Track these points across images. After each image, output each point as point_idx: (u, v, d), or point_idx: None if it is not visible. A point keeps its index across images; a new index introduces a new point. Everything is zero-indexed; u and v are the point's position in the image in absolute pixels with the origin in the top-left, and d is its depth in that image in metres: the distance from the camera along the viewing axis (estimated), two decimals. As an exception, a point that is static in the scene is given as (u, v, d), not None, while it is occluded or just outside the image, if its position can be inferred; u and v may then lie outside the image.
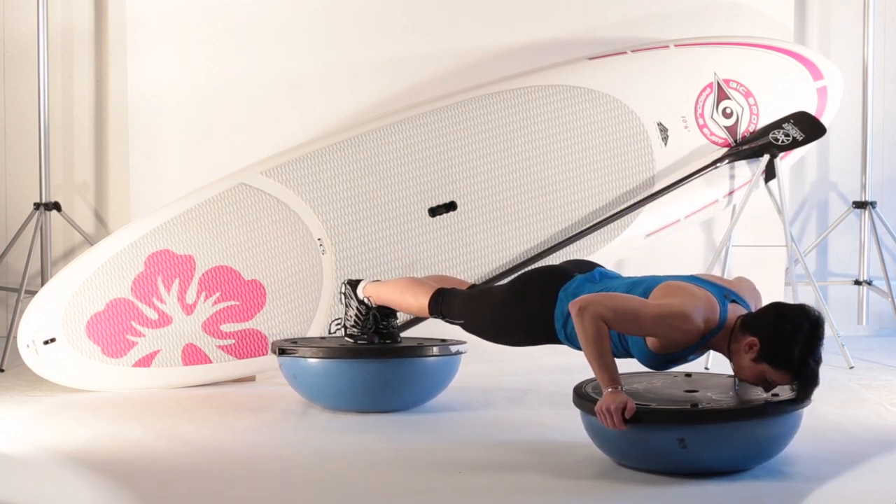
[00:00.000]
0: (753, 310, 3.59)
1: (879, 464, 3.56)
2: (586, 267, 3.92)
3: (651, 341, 3.53)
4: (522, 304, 3.87)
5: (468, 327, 4.06)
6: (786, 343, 3.36)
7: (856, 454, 3.64)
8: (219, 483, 3.37)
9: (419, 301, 4.15)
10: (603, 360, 3.38)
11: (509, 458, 3.61)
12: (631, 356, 3.65)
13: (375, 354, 4.22)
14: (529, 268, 3.99)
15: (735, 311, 3.53)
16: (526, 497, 3.22)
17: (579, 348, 3.70)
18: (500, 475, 3.42)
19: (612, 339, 3.64)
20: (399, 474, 3.47)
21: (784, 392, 3.46)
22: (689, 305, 3.45)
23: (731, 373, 3.80)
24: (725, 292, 3.57)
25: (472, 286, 4.20)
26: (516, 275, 4.11)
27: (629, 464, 3.44)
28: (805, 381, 3.38)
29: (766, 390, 3.46)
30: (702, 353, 3.64)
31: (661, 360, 3.58)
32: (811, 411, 3.56)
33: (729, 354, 3.51)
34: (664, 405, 3.35)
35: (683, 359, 3.58)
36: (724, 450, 3.32)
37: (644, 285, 3.64)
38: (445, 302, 4.10)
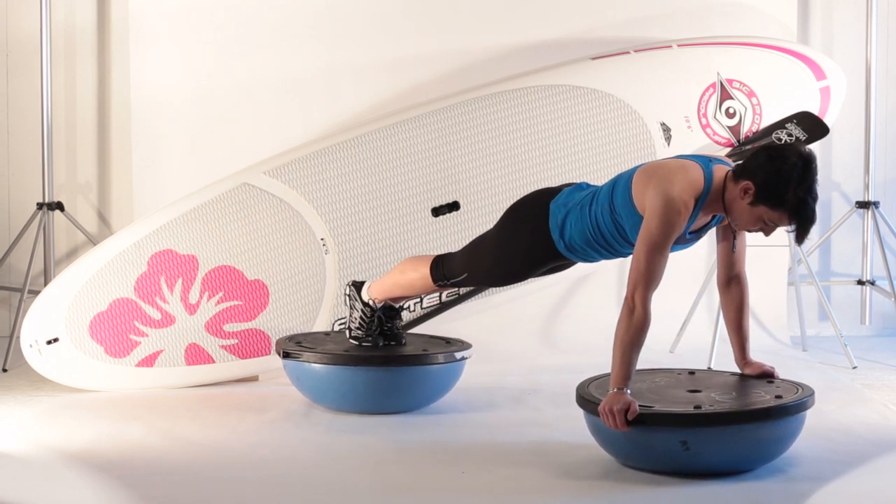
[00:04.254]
0: None
1: (882, 464, 3.56)
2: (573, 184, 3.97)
3: None
4: (518, 230, 3.90)
5: (472, 279, 4.08)
6: (781, 182, 3.41)
7: (858, 454, 3.64)
8: (221, 483, 3.37)
9: (420, 272, 4.17)
10: (628, 357, 3.40)
11: (512, 457, 3.61)
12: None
13: (380, 361, 4.21)
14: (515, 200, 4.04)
15: (721, 170, 3.58)
16: (528, 497, 3.22)
17: (583, 258, 3.81)
18: (503, 475, 3.42)
19: (614, 235, 3.69)
20: (401, 474, 3.47)
21: (787, 394, 3.46)
22: (666, 185, 3.50)
23: (735, 370, 3.81)
24: (710, 158, 3.63)
25: None
26: (505, 210, 4.10)
27: (632, 465, 3.44)
28: (802, 218, 3.42)
29: (766, 234, 3.51)
30: (699, 230, 3.65)
31: None
32: (814, 411, 3.56)
33: (725, 210, 3.55)
34: (667, 407, 3.35)
35: (683, 236, 3.61)
36: (726, 452, 3.32)
37: (626, 175, 3.68)
38: (444, 264, 4.13)
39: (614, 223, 3.68)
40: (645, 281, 3.46)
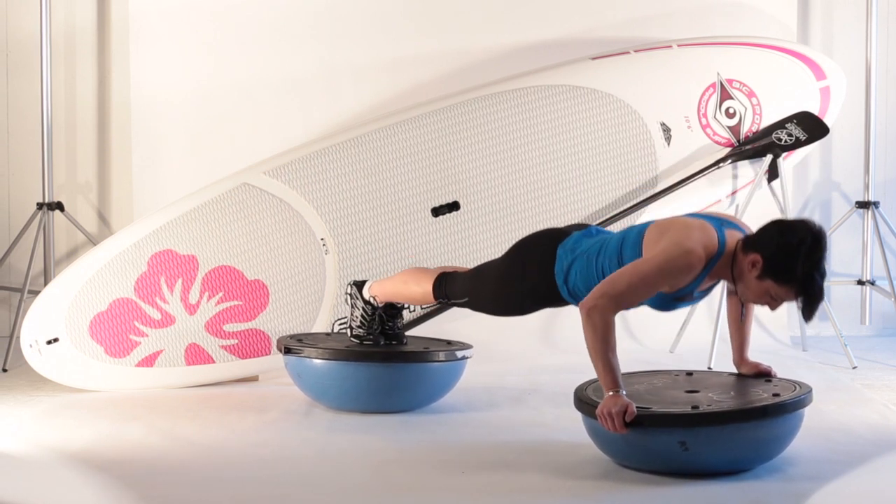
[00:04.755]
0: None
1: (882, 464, 3.56)
2: (583, 226, 3.94)
3: None
4: (523, 269, 3.88)
5: (472, 304, 4.07)
6: (789, 257, 3.36)
7: (858, 454, 3.63)
8: (221, 483, 3.37)
9: (423, 287, 4.17)
10: (608, 362, 3.37)
11: (512, 457, 3.61)
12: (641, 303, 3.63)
13: (382, 358, 4.21)
14: (526, 235, 4.01)
15: (733, 236, 3.53)
16: (528, 497, 3.22)
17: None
18: (503, 475, 3.42)
19: None
20: (401, 474, 3.47)
21: (785, 392, 3.46)
22: (683, 237, 3.45)
23: (733, 371, 3.81)
24: (722, 221, 3.58)
25: None
26: (513, 243, 4.10)
27: (631, 466, 3.44)
28: (810, 296, 3.37)
29: (772, 309, 3.46)
30: (707, 289, 3.63)
31: (669, 300, 3.59)
32: (814, 411, 3.56)
33: (733, 279, 3.51)
34: (665, 408, 3.35)
35: (690, 295, 3.58)
36: (725, 451, 3.32)
37: (636, 229, 3.65)
38: (448, 284, 4.12)
39: None
40: (615, 300, 3.40)
